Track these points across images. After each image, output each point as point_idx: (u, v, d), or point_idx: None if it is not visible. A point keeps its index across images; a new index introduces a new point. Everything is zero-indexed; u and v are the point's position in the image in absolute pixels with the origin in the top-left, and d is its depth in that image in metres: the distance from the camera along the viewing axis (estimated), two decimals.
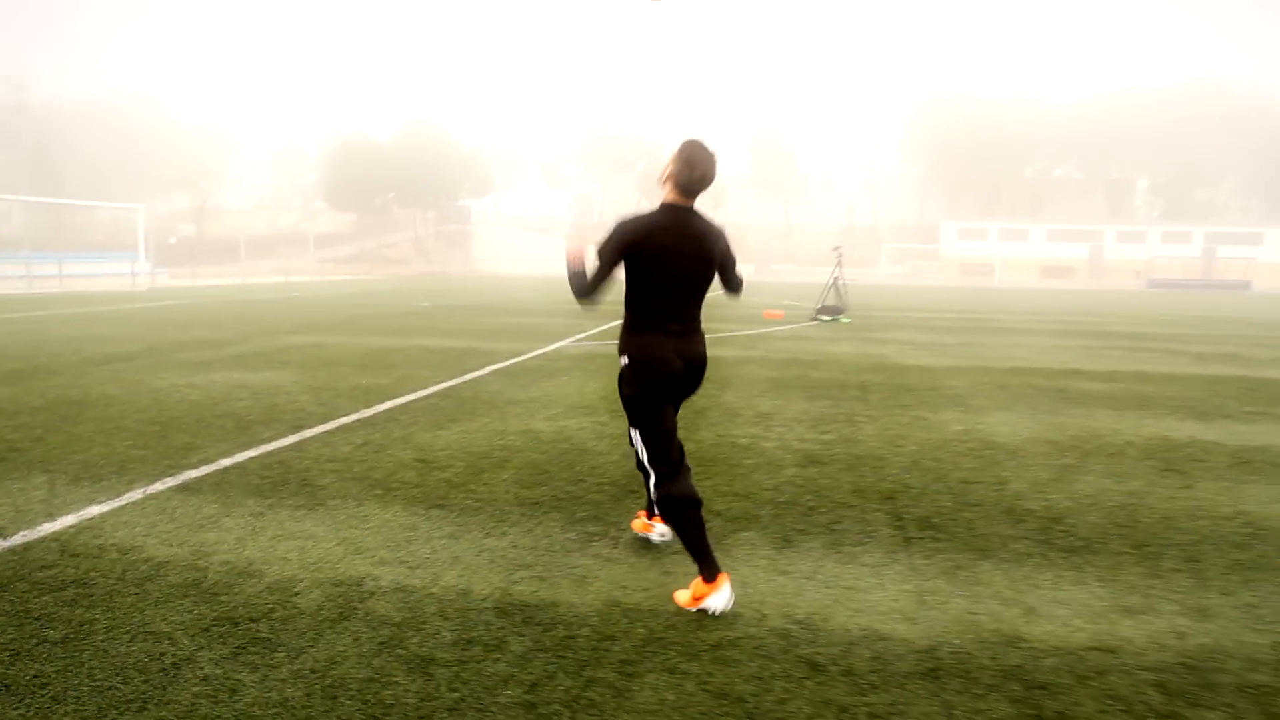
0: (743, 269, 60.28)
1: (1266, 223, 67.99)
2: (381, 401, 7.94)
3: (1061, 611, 3.40)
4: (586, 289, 3.48)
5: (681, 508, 3.41)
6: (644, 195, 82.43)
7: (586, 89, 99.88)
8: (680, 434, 3.81)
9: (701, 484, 5.08)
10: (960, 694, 2.75)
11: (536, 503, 4.80)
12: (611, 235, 3.44)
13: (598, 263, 3.44)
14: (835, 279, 19.89)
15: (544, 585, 3.62)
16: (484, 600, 3.46)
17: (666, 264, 3.44)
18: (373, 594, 3.52)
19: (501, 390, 8.62)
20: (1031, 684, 2.82)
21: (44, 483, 5.12)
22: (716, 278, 3.67)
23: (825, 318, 18.17)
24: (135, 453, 5.90)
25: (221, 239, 63.31)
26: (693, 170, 3.42)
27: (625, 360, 3.53)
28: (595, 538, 4.22)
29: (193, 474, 5.36)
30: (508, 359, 11.16)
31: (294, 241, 65.62)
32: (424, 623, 3.25)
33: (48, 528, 4.30)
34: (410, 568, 3.81)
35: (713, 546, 3.49)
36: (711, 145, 3.51)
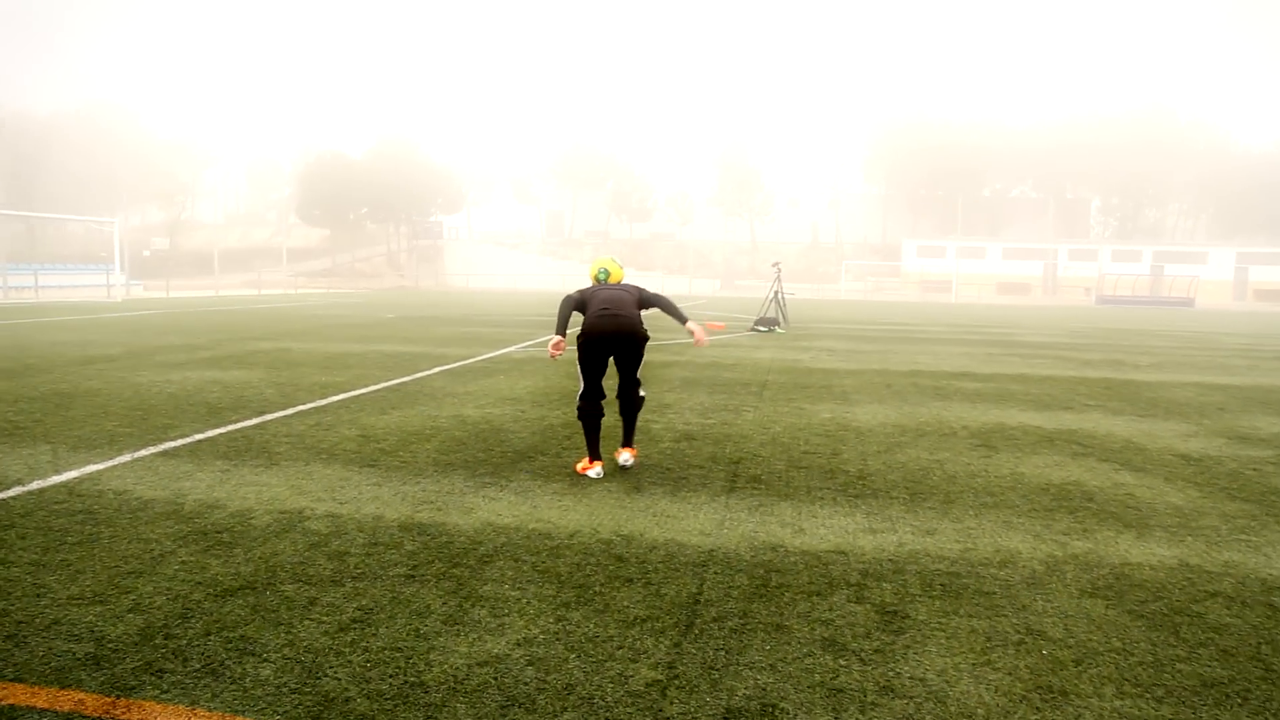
0: (708, 284, 61.22)
1: (1210, 242, 70.60)
2: (336, 394, 9.07)
3: (822, 530, 4.62)
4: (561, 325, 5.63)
5: (588, 414, 5.77)
6: (613, 212, 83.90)
7: (557, 106, 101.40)
8: None
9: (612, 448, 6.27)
10: (716, 574, 3.95)
11: (449, 464, 5.97)
12: (564, 301, 5.77)
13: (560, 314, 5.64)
14: (775, 293, 21.20)
15: (439, 513, 4.79)
16: (392, 522, 4.63)
17: (601, 302, 5.80)
18: (309, 518, 4.67)
19: (443, 386, 9.78)
20: (771, 569, 4.03)
21: (48, 450, 6.22)
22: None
23: (762, 329, 19.47)
24: (122, 430, 7.00)
25: (195, 252, 63.93)
26: (595, 278, 6.14)
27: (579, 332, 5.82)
28: (488, 485, 5.40)
29: (171, 444, 6.47)
30: (456, 361, 12.31)
31: (267, 255, 66.30)
32: (345, 534, 4.41)
33: (56, 479, 5.41)
34: (340, 503, 4.97)
35: (578, 491, 5.17)
36: (611, 255, 6.28)
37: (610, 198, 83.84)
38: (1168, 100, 78.55)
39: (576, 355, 5.86)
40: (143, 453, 6.18)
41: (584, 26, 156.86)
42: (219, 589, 3.65)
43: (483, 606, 3.50)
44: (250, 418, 7.63)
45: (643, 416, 7.93)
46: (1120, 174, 73.73)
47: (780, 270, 21.31)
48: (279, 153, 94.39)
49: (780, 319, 20.83)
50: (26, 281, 33.17)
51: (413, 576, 3.82)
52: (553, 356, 5.64)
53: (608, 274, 6.12)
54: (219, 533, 4.41)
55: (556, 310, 5.80)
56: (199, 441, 6.60)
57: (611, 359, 5.81)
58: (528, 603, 3.55)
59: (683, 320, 5.94)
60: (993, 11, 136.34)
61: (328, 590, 3.65)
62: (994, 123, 77.93)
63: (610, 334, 5.68)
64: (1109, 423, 8.22)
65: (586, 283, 5.86)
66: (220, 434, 6.89)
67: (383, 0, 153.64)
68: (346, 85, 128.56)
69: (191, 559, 4.00)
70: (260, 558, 4.03)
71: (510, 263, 75.18)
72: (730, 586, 3.79)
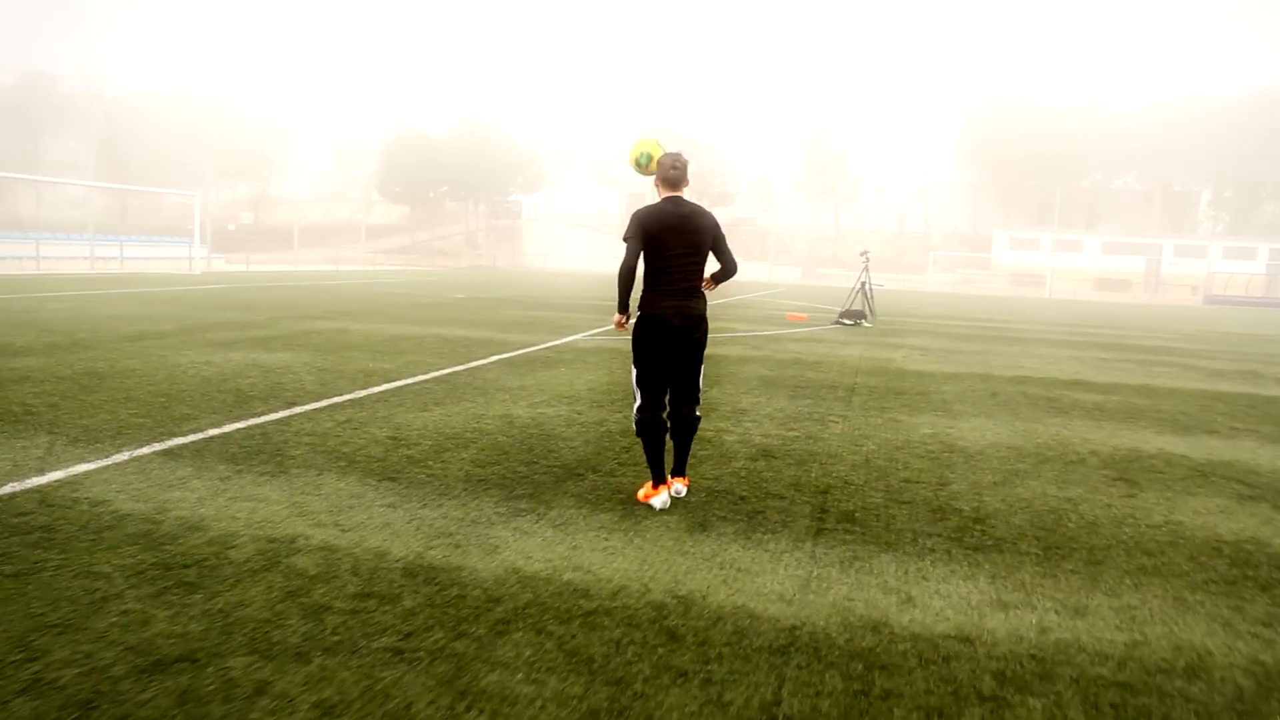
0: (789, 272, 59.89)
1: None
2: (379, 384, 8.31)
3: (937, 603, 3.56)
4: (629, 269, 4.54)
5: (650, 428, 4.67)
6: (694, 195, 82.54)
7: (640, 87, 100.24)
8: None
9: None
10: (800, 668, 2.95)
11: (482, 480, 5.08)
12: (630, 222, 4.59)
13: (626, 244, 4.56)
14: (862, 284, 19.88)
15: (457, 552, 3.89)
16: (397, 561, 3.75)
17: (668, 240, 4.55)
18: (300, 550, 3.83)
19: (497, 378, 8.94)
20: (873, 664, 3.01)
21: (45, 443, 5.56)
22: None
23: (847, 322, 18.21)
24: (136, 420, 6.33)
25: (279, 227, 65.14)
26: (662, 164, 4.69)
27: (636, 313, 4.66)
28: (523, 513, 4.48)
29: (180, 441, 5.75)
30: (516, 349, 11.49)
31: (348, 231, 67.20)
32: (335, 577, 3.55)
33: (34, 481, 4.71)
34: (342, 530, 4.12)
35: (629, 525, 4.23)
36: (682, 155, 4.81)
37: (691, 180, 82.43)
38: None
39: (631, 347, 4.72)
40: (144, 450, 5.46)
41: (669, 6, 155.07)
42: (151, 659, 2.81)
43: (482, 711, 2.58)
44: (278, 410, 6.90)
45: (715, 424, 6.93)
46: (1235, 164, 69.06)
47: (869, 259, 19.98)
48: (365, 131, 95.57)
49: (867, 312, 19.52)
50: (113, 252, 33.89)
51: (401, 653, 2.93)
52: (620, 326, 4.75)
53: (678, 177, 4.66)
54: (186, 567, 3.59)
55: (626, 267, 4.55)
56: (211, 438, 5.87)
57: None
58: (542, 707, 2.62)
59: (717, 280, 4.82)
60: None
61: (287, 670, 2.78)
62: (1096, 108, 73.79)
63: (681, 328, 4.58)
64: (1271, 453, 6.89)
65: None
66: (238, 429, 6.15)
67: None
68: (432, 64, 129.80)
69: (137, 607, 3.18)
70: (221, 609, 3.19)
71: (589, 245, 74.61)
72: (820, 691, 2.79)
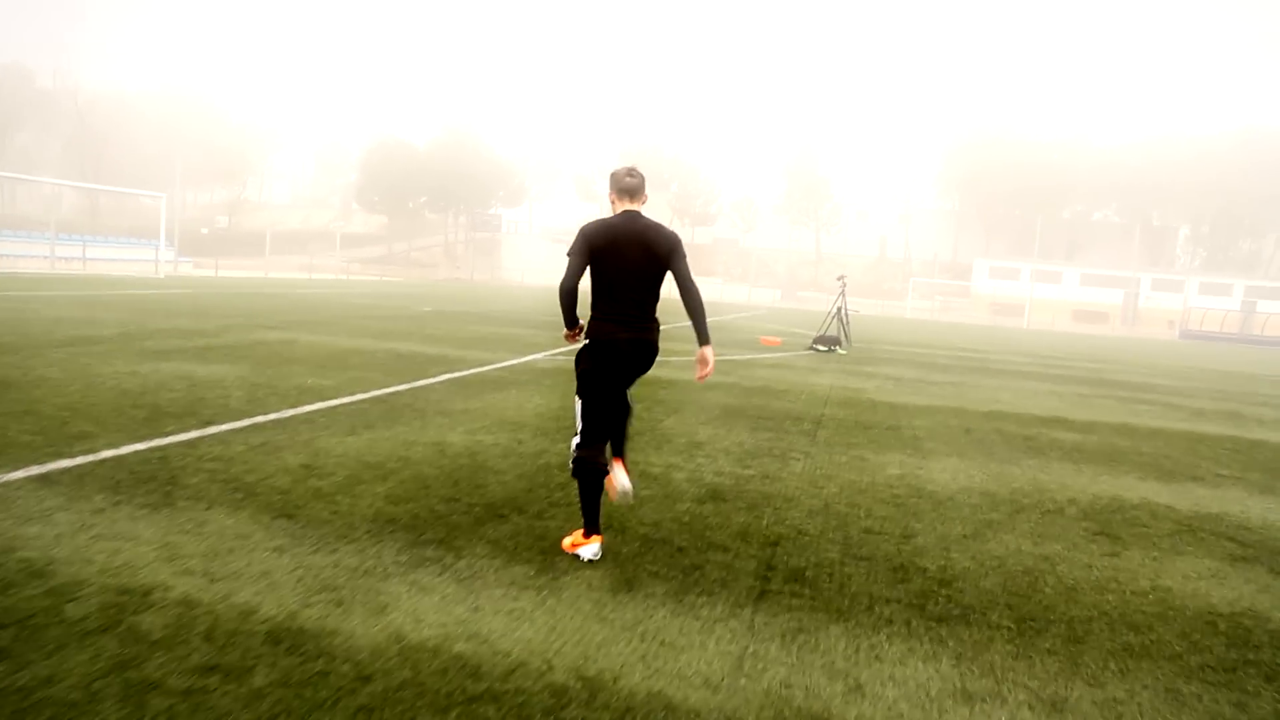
0: (769, 294, 59.56)
1: None
2: (312, 402, 7.72)
3: (890, 692, 3.03)
4: (569, 288, 4.16)
5: (587, 470, 4.12)
6: (676, 215, 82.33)
7: (624, 104, 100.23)
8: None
9: None
10: None
11: (391, 520, 4.51)
12: (576, 236, 4.15)
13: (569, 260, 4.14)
14: (838, 309, 19.46)
15: (337, 611, 3.33)
16: (263, 623, 3.18)
17: (620, 258, 4.08)
18: (153, 606, 3.26)
19: (441, 400, 8.37)
20: None
21: None
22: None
23: (821, 348, 17.76)
24: (24, 438, 5.71)
25: (255, 232, 64.17)
26: (617, 176, 4.22)
27: (586, 341, 4.18)
28: (427, 563, 3.92)
29: (63, 464, 5.14)
30: (471, 368, 10.92)
31: (326, 239, 66.34)
32: (182, 643, 2.98)
33: None
34: (211, 580, 3.55)
35: (545, 581, 3.73)
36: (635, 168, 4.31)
37: (673, 199, 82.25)
38: (1267, 123, 74.10)
39: (577, 374, 4.23)
40: (16, 474, 4.85)
41: (654, 25, 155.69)
42: None
43: None
44: (191, 430, 6.30)
45: (667, 459, 6.40)
46: (1213, 201, 69.71)
47: (845, 284, 19.57)
48: (348, 138, 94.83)
49: (843, 338, 19.09)
50: (75, 253, 32.98)
51: None
52: (572, 339, 4.25)
53: (634, 186, 4.18)
54: (4, 627, 3.01)
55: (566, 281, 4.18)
56: (102, 461, 5.26)
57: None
58: None
59: (703, 340, 4.24)
60: (1081, 24, 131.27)
61: None
62: (1078, 141, 74.42)
63: (633, 360, 4.14)
64: (1261, 505, 6.43)
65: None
66: (136, 451, 5.55)
67: None
68: (418, 74, 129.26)
69: None
70: (21, 688, 2.61)
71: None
72: None
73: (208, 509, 4.50)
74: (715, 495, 5.48)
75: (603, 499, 4.20)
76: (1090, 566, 4.60)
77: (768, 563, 4.24)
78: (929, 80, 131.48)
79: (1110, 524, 5.52)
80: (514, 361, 11.98)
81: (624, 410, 4.31)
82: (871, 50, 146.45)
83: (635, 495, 4.65)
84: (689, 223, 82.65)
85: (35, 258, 32.07)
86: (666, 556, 4.24)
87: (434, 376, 9.92)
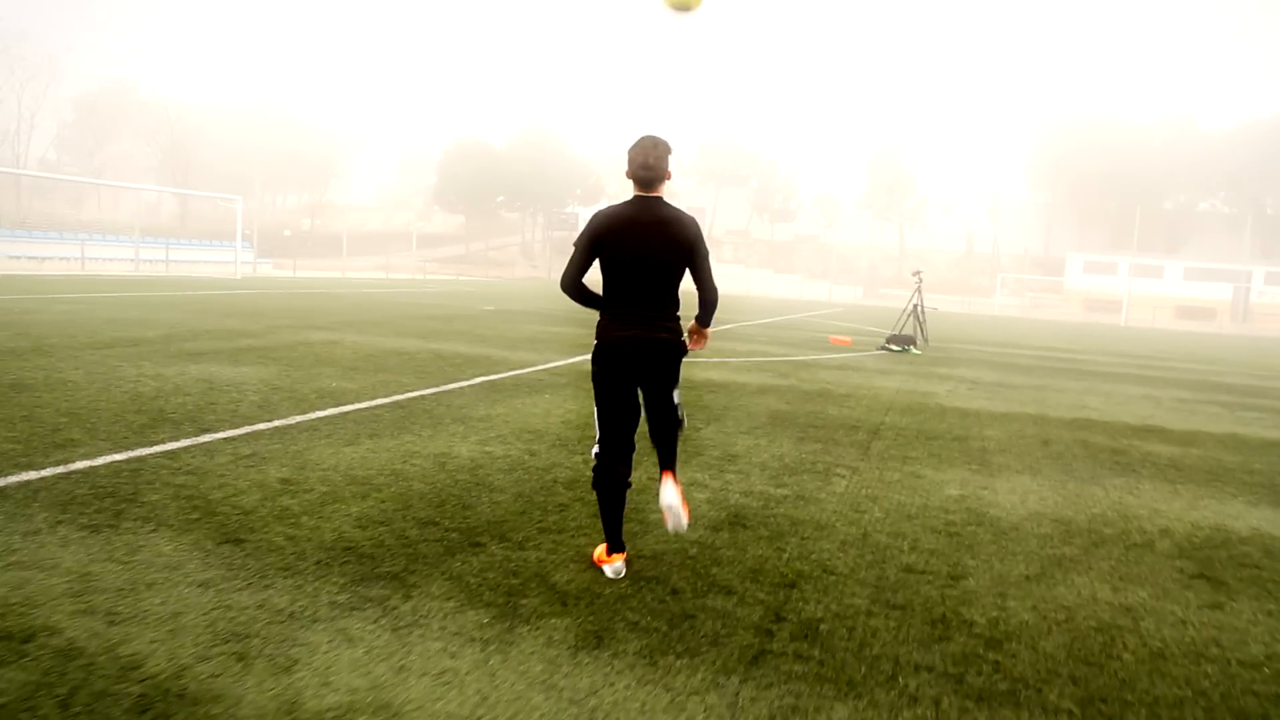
0: (850, 291, 57.97)
1: None
2: (327, 408, 7.30)
3: None
4: (570, 282, 3.86)
5: (606, 482, 3.78)
6: (755, 211, 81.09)
7: (703, 100, 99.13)
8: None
9: (588, 540, 4.15)
10: None
11: (351, 547, 3.96)
12: (585, 225, 3.80)
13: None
14: (914, 306, 18.38)
15: (235, 667, 2.77)
16: (140, 682, 2.65)
17: (631, 250, 3.65)
18: (24, 658, 2.76)
19: (464, 405, 7.85)
20: None
21: None
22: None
23: (894, 348, 16.71)
24: (3, 446, 5.39)
25: (337, 234, 65.62)
26: (633, 160, 3.68)
27: (595, 340, 3.81)
28: (368, 604, 3.34)
29: (25, 477, 4.78)
30: (511, 370, 10.41)
31: (404, 239, 67.50)
32: (32, 709, 2.46)
33: None
34: (111, 623, 3.04)
35: (497, 633, 3.17)
36: (659, 136, 3.73)
37: (753, 196, 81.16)
38: None
39: (593, 368, 3.85)
40: None
41: (735, 18, 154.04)
42: None
43: None
44: (184, 438, 5.91)
45: (691, 474, 5.72)
46: None
47: (921, 280, 18.47)
48: (429, 141, 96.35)
49: (919, 336, 18.00)
50: (159, 255, 33.98)
51: None
52: None
53: (652, 172, 3.65)
54: None
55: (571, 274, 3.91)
56: (67, 475, 4.88)
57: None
58: None
59: (703, 322, 3.99)
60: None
61: None
62: (1182, 125, 70.28)
63: (641, 363, 3.73)
64: None
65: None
66: (110, 463, 5.16)
67: None
68: (495, 75, 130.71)
69: None
70: None
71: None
72: None
73: (153, 531, 4.03)
74: (736, 520, 4.77)
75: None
76: (1185, 623, 3.74)
77: (776, 611, 3.53)
78: (1018, 64, 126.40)
79: (1212, 564, 4.61)
80: (559, 363, 11.44)
81: (670, 421, 3.88)
82: (958, 36, 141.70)
83: (689, 520, 4.05)
84: (768, 218, 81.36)
85: (121, 260, 33.17)
86: (655, 601, 3.57)
87: (468, 379, 9.44)
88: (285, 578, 3.58)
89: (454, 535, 4.24)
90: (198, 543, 3.93)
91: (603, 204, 71.25)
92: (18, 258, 29.67)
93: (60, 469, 4.99)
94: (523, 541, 4.20)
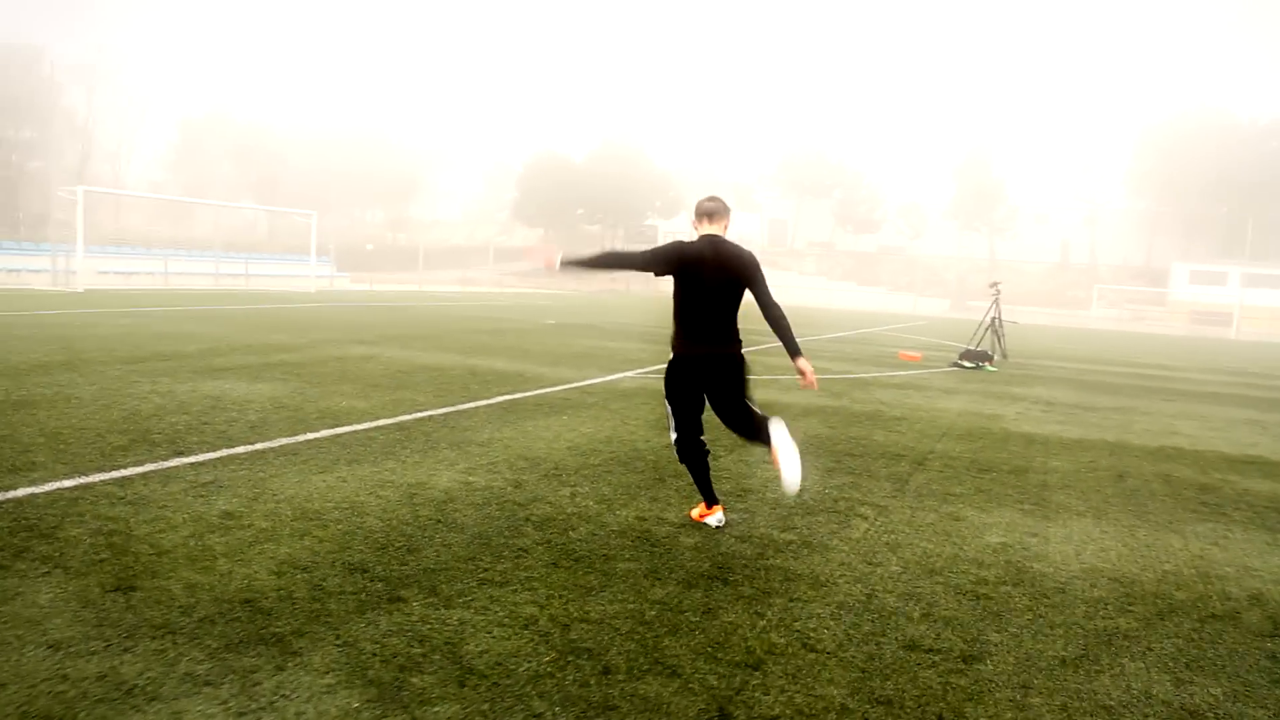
0: (936, 304, 56.01)
1: None
2: (325, 428, 6.89)
3: None
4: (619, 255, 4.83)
5: (690, 452, 4.68)
6: (839, 222, 79.35)
7: (784, 110, 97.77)
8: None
9: (530, 598, 3.54)
10: None
11: (253, 599, 3.44)
12: (668, 243, 4.57)
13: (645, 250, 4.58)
14: (992, 320, 17.20)
15: None
16: None
17: (702, 282, 4.48)
18: None
19: (471, 427, 7.33)
20: None
21: None
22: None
23: (967, 364, 15.57)
24: None
25: (418, 248, 66.77)
26: (700, 202, 4.69)
27: (671, 354, 4.60)
28: (229, 678, 2.79)
29: None
30: (540, 387, 9.88)
31: (485, 253, 68.21)
32: None
33: None
34: None
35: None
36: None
37: (836, 207, 79.38)
38: None
39: (665, 381, 4.69)
40: None
41: (815, 29, 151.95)
42: None
43: None
44: (152, 461, 5.55)
45: (676, 519, 5.03)
46: None
47: (999, 292, 17.29)
48: (512, 156, 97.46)
49: (996, 352, 16.82)
50: (239, 269, 34.88)
51: None
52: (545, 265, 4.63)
53: (715, 209, 4.65)
54: None
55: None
56: (2, 502, 4.52)
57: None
58: None
59: (793, 353, 4.61)
60: None
61: None
62: None
63: (711, 374, 4.56)
64: None
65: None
66: (51, 491, 4.79)
67: (618, 9, 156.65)
68: (578, 89, 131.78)
69: None
70: None
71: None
72: None
73: (44, 574, 3.59)
74: (719, 574, 4.08)
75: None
76: None
77: (722, 705, 2.83)
78: (1116, 63, 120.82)
79: None
80: (594, 381, 10.86)
81: (745, 418, 4.58)
82: (1050, 36, 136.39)
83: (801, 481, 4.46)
84: (852, 229, 79.48)
85: (203, 275, 34.19)
86: (577, 683, 2.91)
87: (489, 398, 8.93)
88: (154, 638, 3.07)
89: (378, 586, 3.68)
90: (83, 591, 3.46)
91: (682, 216, 70.18)
92: (106, 273, 30.80)
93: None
94: (452, 597, 3.61)
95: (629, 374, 11.72)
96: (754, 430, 4.55)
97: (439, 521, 4.64)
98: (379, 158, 74.46)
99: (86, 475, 5.15)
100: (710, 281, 4.44)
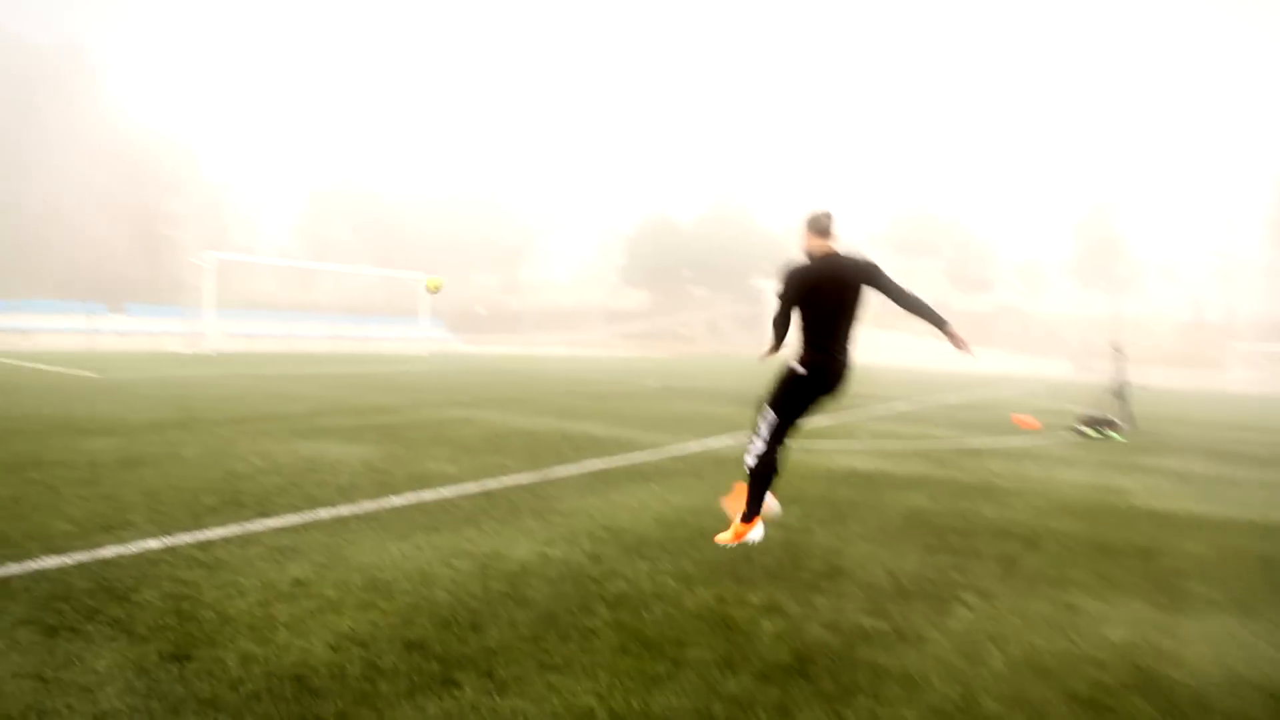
0: (1057, 365, 53.72)
1: None
2: (412, 492, 6.87)
3: None
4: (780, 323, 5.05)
5: (766, 469, 4.95)
6: (950, 281, 77.34)
7: (891, 168, 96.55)
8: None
9: (591, 686, 3.31)
10: None
11: (301, 677, 3.32)
12: (784, 280, 4.87)
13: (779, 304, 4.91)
14: (1116, 384, 16.12)
15: None
16: None
17: (827, 297, 4.77)
18: None
19: (557, 494, 7.18)
20: None
21: None
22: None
23: (1089, 431, 14.56)
24: (60, 527, 5.31)
25: (530, 311, 68.57)
26: (815, 217, 4.92)
27: (796, 367, 4.85)
28: None
29: (40, 564, 4.58)
30: (631, 452, 9.70)
31: (593, 315, 69.31)
32: None
33: None
34: None
35: None
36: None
37: (947, 265, 77.54)
38: None
39: (778, 386, 4.96)
40: None
41: (926, 85, 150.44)
42: None
43: None
44: (237, 522, 5.61)
45: (770, 595, 4.71)
46: None
47: (1123, 352, 16.22)
48: (622, 220, 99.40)
49: (1122, 419, 15.71)
50: (353, 331, 36.43)
51: None
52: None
53: (828, 226, 5.02)
54: None
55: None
56: (90, 562, 4.61)
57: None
58: None
59: (940, 322, 4.95)
60: None
61: None
62: None
63: (836, 386, 4.95)
64: None
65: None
66: (137, 552, 4.86)
67: (723, 75, 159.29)
68: (685, 154, 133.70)
69: None
70: None
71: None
72: None
73: (109, 639, 3.59)
74: (799, 666, 3.74)
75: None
76: None
77: None
78: (1249, 103, 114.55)
79: None
80: (690, 447, 10.59)
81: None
82: (1178, 79, 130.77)
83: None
84: (964, 288, 77.28)
85: (321, 337, 35.80)
86: None
87: (579, 464, 8.79)
88: (198, 713, 2.98)
89: (433, 667, 3.51)
90: (141, 658, 3.42)
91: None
92: (234, 334, 32.61)
93: (85, 555, 4.74)
94: (508, 682, 3.40)
95: (726, 440, 11.42)
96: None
97: (508, 596, 4.46)
98: (492, 223, 77.19)
99: (173, 536, 5.22)
100: (839, 297, 4.74)
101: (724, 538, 5.04)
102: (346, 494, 6.69)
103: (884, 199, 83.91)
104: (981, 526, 6.80)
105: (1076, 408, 21.67)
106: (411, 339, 38.64)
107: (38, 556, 4.68)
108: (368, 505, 6.37)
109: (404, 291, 49.77)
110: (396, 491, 6.87)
